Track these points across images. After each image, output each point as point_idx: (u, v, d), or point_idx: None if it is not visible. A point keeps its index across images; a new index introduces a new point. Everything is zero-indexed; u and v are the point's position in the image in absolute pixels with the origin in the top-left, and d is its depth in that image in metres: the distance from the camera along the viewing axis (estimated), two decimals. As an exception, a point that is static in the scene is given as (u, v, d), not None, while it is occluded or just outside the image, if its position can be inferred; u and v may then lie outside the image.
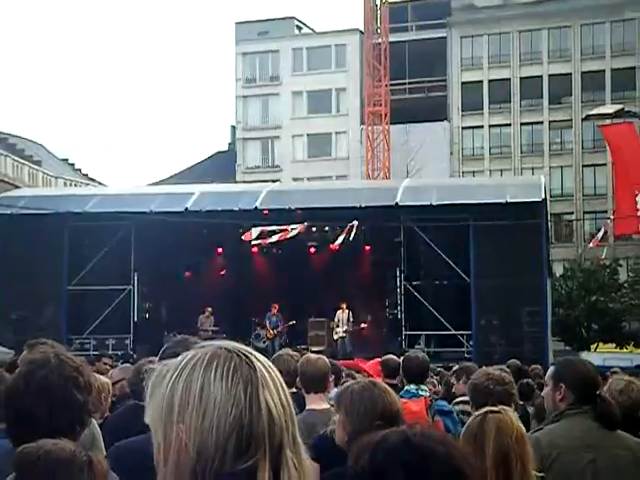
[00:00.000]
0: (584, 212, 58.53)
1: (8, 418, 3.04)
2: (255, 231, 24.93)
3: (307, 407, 5.67)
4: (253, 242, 25.18)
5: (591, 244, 34.08)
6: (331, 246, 25.33)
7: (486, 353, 22.33)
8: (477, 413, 3.62)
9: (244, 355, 1.68)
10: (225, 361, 1.66)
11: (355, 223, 24.36)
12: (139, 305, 26.82)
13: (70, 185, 53.30)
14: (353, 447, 1.89)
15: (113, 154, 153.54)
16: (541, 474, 3.61)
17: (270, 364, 1.72)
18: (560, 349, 41.03)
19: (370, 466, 1.80)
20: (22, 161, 51.80)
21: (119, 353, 24.24)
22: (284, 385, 1.71)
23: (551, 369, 4.73)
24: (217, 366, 1.65)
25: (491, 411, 3.55)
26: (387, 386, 4.01)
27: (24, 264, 25.53)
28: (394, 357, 9.33)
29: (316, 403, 5.72)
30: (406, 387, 7.04)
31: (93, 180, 62.86)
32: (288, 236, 24.78)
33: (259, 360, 1.70)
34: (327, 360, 6.06)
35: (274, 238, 24.84)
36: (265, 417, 1.63)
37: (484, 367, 5.92)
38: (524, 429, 3.53)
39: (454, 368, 8.86)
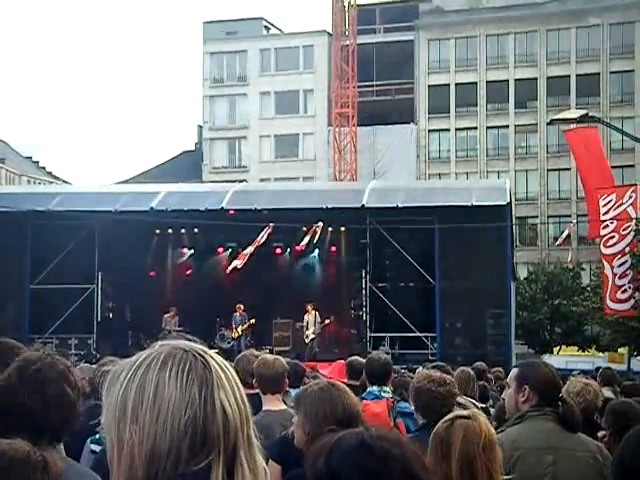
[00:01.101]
0: (548, 216, 59.03)
1: None
2: (236, 262, 24.99)
3: (263, 408, 5.67)
4: (239, 265, 25.02)
5: (558, 241, 34.41)
6: (296, 247, 25.35)
7: (450, 355, 22.42)
8: (446, 418, 3.55)
9: (199, 355, 1.67)
10: (180, 361, 1.65)
11: (320, 224, 24.38)
12: (103, 304, 26.63)
13: (34, 183, 52.84)
14: (310, 449, 1.88)
15: (78, 152, 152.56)
16: (508, 477, 3.57)
17: (226, 364, 1.71)
18: (523, 352, 41.34)
19: (326, 469, 1.79)
20: (-15, 158, 51.30)
21: (82, 352, 24.11)
22: (240, 385, 1.70)
23: (514, 371, 4.74)
24: (172, 366, 1.64)
25: (460, 416, 3.48)
26: (346, 387, 4.01)
27: (-14, 262, 25.28)
28: (359, 359, 9.33)
29: (272, 404, 5.72)
30: (368, 389, 7.04)
31: (57, 178, 62.37)
32: (260, 242, 24.75)
33: (215, 360, 1.69)
34: (284, 361, 6.05)
35: (249, 249, 24.78)
36: (220, 417, 1.63)
37: (424, 369, 5.96)
38: (494, 435, 3.46)
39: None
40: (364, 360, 9.12)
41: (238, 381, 1.70)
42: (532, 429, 4.34)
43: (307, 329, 25.95)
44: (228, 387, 1.66)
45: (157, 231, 26.76)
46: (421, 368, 7.04)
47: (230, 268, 25.15)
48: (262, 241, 24.74)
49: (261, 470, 1.69)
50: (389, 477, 1.76)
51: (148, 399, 1.62)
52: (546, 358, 38.25)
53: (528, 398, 4.49)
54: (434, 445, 3.41)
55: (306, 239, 24.54)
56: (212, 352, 1.71)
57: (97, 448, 4.95)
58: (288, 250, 27.26)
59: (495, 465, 3.36)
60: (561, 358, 40.71)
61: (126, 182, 55.84)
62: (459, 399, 5.60)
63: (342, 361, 11.61)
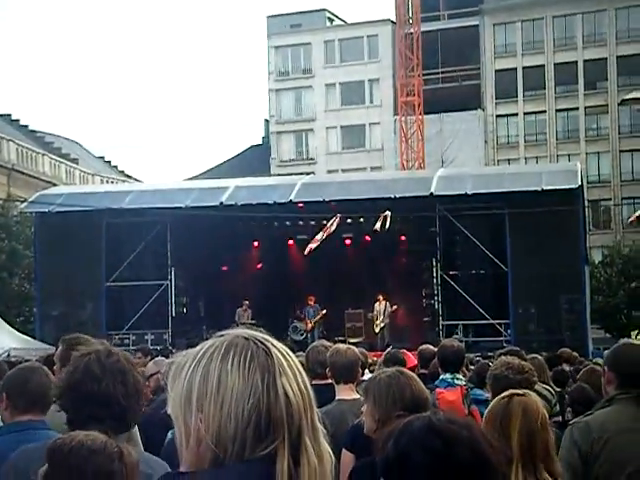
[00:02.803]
0: (622, 198, 57.89)
1: (78, 405, 3.04)
2: (311, 245, 24.94)
3: (337, 397, 5.68)
4: (314, 247, 25.00)
5: (630, 218, 33.69)
6: (372, 229, 25.09)
7: (524, 342, 22.16)
8: (501, 395, 3.58)
9: (261, 343, 1.70)
10: (242, 349, 1.68)
11: (388, 213, 24.26)
12: (176, 300, 27.01)
13: (107, 182, 53.74)
14: (380, 435, 1.90)
15: (148, 150, 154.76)
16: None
17: (288, 351, 1.73)
18: (600, 336, 40.67)
19: (395, 452, 1.81)
20: (59, 159, 52.34)
21: (158, 348, 24.49)
22: (302, 371, 1.72)
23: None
24: (234, 355, 1.67)
25: (516, 394, 3.52)
26: (414, 375, 4.01)
27: (63, 261, 25.84)
28: (430, 347, 9.30)
29: (346, 393, 5.73)
30: (441, 376, 7.01)
31: (129, 177, 63.30)
32: (331, 230, 24.75)
33: (276, 347, 1.71)
34: (356, 350, 6.05)
35: (320, 235, 24.79)
36: (283, 403, 1.65)
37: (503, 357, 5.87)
38: (547, 415, 3.50)
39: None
40: (435, 348, 9.11)
41: (300, 367, 1.73)
42: (619, 411, 4.27)
43: (377, 319, 25.94)
44: (290, 373, 1.68)
45: (227, 225, 26.99)
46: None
47: (307, 251, 24.99)
48: (332, 230, 24.72)
49: (326, 455, 1.71)
50: (456, 459, 1.76)
51: (212, 388, 1.65)
52: (624, 343, 37.48)
53: (610, 380, 4.45)
54: (491, 420, 3.44)
55: (378, 224, 24.34)
56: (273, 339, 1.73)
57: None
58: (358, 240, 27.25)
59: (552, 442, 3.40)
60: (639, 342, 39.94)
61: (195, 178, 56.40)
62: (539, 387, 5.55)
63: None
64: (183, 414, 1.68)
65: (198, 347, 1.72)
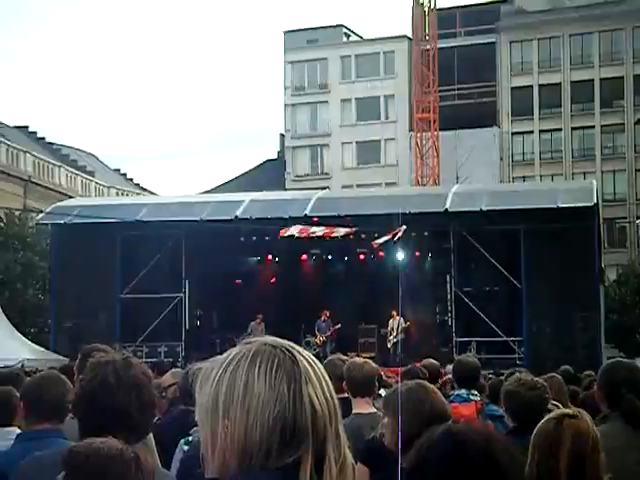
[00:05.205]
0: (637, 216, 57.69)
1: (92, 415, 3.04)
2: (294, 229, 24.85)
3: (353, 411, 5.66)
4: (295, 232, 24.97)
5: None
6: (372, 243, 25.13)
7: (538, 360, 22.07)
8: (552, 416, 3.48)
9: (287, 351, 1.71)
10: (269, 357, 1.69)
11: (404, 227, 24.24)
12: (190, 312, 27.05)
13: (122, 194, 53.96)
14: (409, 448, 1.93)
15: (164, 164, 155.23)
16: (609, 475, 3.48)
17: (314, 359, 1.74)
18: (614, 355, 40.43)
19: (416, 458, 1.83)
20: (76, 172, 52.62)
21: (171, 360, 24.49)
22: (328, 380, 1.73)
23: None
24: (261, 362, 1.68)
25: (568, 415, 3.41)
26: (435, 388, 4.01)
27: (78, 273, 25.94)
28: (433, 361, 9.37)
29: (362, 407, 5.71)
30: (457, 391, 7.00)
31: (145, 189, 63.53)
32: (333, 235, 24.72)
33: (302, 355, 1.72)
34: (373, 364, 6.05)
35: (318, 233, 24.77)
36: (308, 412, 1.66)
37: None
38: (598, 436, 3.37)
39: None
40: (438, 363, 9.18)
41: (326, 376, 1.73)
42: (610, 429, 4.26)
43: (390, 334, 25.90)
44: (316, 382, 1.69)
45: (242, 239, 27.02)
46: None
47: (286, 234, 24.87)
48: (334, 235, 24.65)
49: (349, 465, 1.71)
50: (470, 462, 1.77)
51: (238, 395, 1.66)
52: (639, 362, 37.31)
53: (599, 399, 4.53)
54: (540, 441, 3.35)
55: (383, 238, 24.34)
56: (300, 348, 1.74)
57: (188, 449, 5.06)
58: (372, 256, 27.24)
59: (601, 466, 3.29)
60: (654, 362, 39.71)
61: (211, 192, 56.55)
62: (551, 405, 5.53)
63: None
64: (210, 420, 1.69)
65: (225, 354, 1.73)
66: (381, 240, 24.59)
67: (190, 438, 5.07)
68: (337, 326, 26.41)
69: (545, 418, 3.53)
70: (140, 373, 3.16)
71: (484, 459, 1.78)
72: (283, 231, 24.90)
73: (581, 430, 3.31)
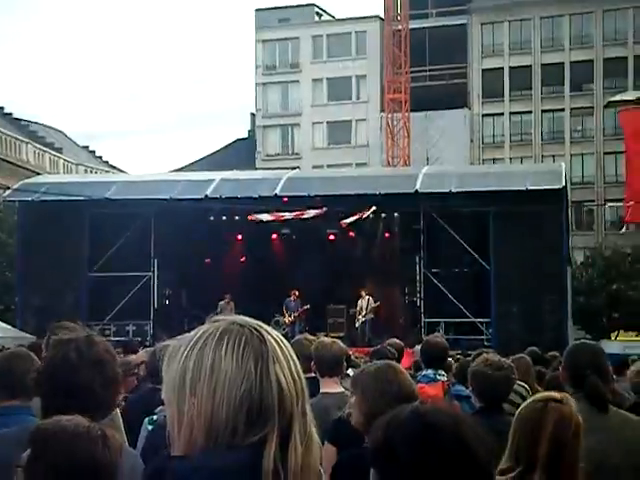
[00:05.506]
0: (605, 199, 58.19)
1: (54, 392, 3.03)
2: (264, 216, 25.06)
3: (321, 390, 5.68)
4: (265, 219, 25.20)
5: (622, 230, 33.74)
6: (341, 222, 25.26)
7: (506, 341, 22.25)
8: (537, 398, 3.44)
9: (255, 330, 1.71)
10: (237, 335, 1.69)
11: (373, 208, 24.33)
12: (159, 292, 26.98)
13: (91, 172, 53.55)
14: (367, 428, 1.92)
15: (133, 141, 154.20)
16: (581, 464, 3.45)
17: (282, 338, 1.74)
18: (580, 337, 40.85)
19: (382, 440, 1.83)
20: (43, 148, 52.10)
21: (139, 339, 24.44)
22: (295, 359, 1.73)
23: None
24: (228, 340, 1.68)
25: (552, 399, 3.34)
26: (403, 368, 4.03)
27: (45, 251, 25.75)
28: (397, 341, 9.48)
29: (330, 387, 5.73)
30: (424, 372, 7.05)
31: (114, 167, 63.09)
32: (303, 216, 24.83)
33: (270, 334, 1.72)
34: (341, 344, 6.07)
35: (288, 217, 24.91)
36: (275, 390, 1.66)
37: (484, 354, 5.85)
38: (581, 421, 3.32)
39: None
40: (401, 343, 9.28)
41: (294, 356, 1.74)
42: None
43: (359, 314, 26.00)
44: (284, 361, 1.69)
45: (211, 218, 26.95)
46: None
47: (257, 218, 25.07)
48: (305, 217, 24.79)
49: (315, 444, 1.71)
50: (440, 445, 1.78)
51: (205, 373, 1.66)
52: (603, 343, 37.80)
53: (564, 379, 4.60)
54: (522, 425, 3.32)
55: (352, 218, 24.47)
56: (268, 327, 1.74)
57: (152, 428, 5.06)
58: (342, 236, 27.29)
59: (579, 452, 3.26)
60: (619, 344, 40.12)
61: (181, 170, 56.30)
62: (516, 386, 5.57)
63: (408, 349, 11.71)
64: (176, 398, 1.68)
65: (193, 332, 1.73)
66: (350, 220, 24.71)
67: (155, 417, 5.07)
68: (306, 307, 26.45)
69: (529, 400, 3.51)
70: (103, 350, 3.13)
71: (454, 442, 1.78)
72: (252, 217, 25.02)
73: (564, 415, 3.27)
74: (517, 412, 3.44)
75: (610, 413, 4.31)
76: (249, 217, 25.10)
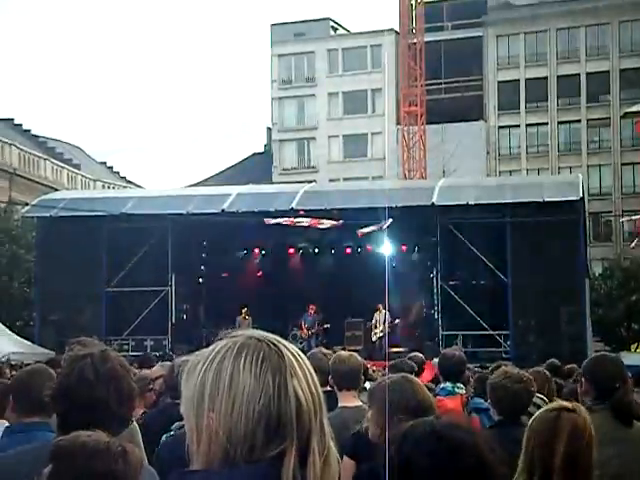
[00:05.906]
0: (623, 211, 57.88)
1: (69, 408, 3.04)
2: (281, 220, 24.93)
3: (339, 405, 5.66)
4: (279, 220, 25.04)
5: (633, 244, 33.50)
6: (357, 232, 25.20)
7: (524, 353, 22.17)
8: (550, 408, 3.43)
9: (273, 344, 1.72)
10: (255, 350, 1.69)
11: (390, 220, 24.29)
12: (177, 306, 27.00)
13: (108, 188, 53.78)
14: (384, 440, 1.91)
15: (150, 156, 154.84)
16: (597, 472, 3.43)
17: (300, 353, 1.75)
18: (599, 349, 40.60)
19: (398, 456, 1.82)
20: (61, 164, 52.40)
21: (157, 354, 24.46)
22: (313, 373, 1.74)
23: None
24: (246, 355, 1.69)
25: (566, 409, 3.35)
26: (419, 381, 4.02)
27: (63, 266, 25.83)
28: (419, 354, 9.45)
29: (348, 400, 5.71)
30: (442, 385, 7.02)
31: (131, 182, 63.35)
32: (319, 226, 24.76)
33: (288, 349, 1.73)
34: (359, 357, 6.06)
35: (304, 223, 24.82)
36: (293, 405, 1.66)
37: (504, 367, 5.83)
38: (593, 431, 3.32)
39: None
40: (422, 356, 9.28)
41: (312, 370, 1.74)
42: (597, 423, 4.28)
43: (376, 328, 25.94)
44: (301, 375, 1.70)
45: (228, 232, 27.00)
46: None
47: (272, 222, 24.96)
48: (320, 226, 24.70)
49: (333, 458, 1.72)
50: (460, 466, 1.77)
51: (224, 387, 1.67)
52: (623, 355, 37.52)
53: (586, 390, 4.55)
54: (536, 435, 3.30)
55: (369, 228, 24.39)
56: (286, 342, 1.75)
57: None
58: (359, 249, 27.26)
59: (592, 462, 3.25)
60: (638, 355, 39.86)
61: (197, 185, 56.43)
62: (535, 398, 5.55)
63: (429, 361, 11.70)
64: (195, 413, 1.69)
65: (211, 347, 1.74)
66: (366, 230, 24.62)
67: (172, 433, 5.07)
68: (325, 325, 26.43)
69: (542, 409, 3.50)
70: (118, 365, 3.14)
71: (470, 457, 1.78)
72: (268, 220, 24.91)
73: (578, 425, 3.27)
74: (530, 421, 3.42)
75: (633, 426, 4.29)
76: (265, 220, 24.98)
